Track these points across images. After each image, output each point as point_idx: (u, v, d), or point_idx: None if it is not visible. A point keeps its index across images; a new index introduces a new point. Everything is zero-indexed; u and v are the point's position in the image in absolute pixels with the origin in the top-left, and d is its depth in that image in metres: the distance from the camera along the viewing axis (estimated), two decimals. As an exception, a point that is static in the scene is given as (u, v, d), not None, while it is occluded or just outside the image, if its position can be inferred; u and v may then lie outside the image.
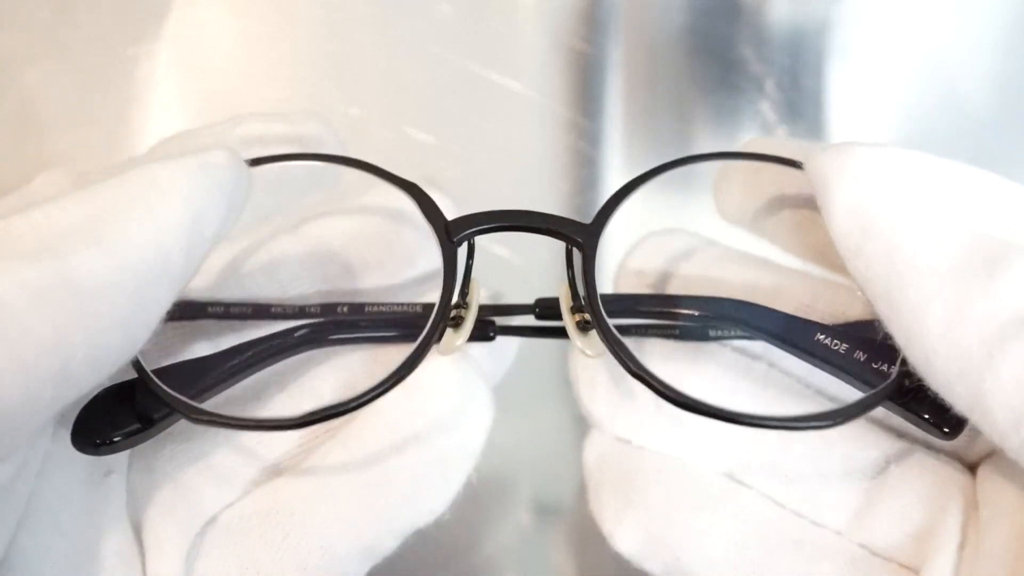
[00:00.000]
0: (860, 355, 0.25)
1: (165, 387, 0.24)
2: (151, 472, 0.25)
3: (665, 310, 0.28)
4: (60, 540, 0.23)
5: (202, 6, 0.48)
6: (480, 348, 0.26)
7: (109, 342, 0.20)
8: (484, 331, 0.27)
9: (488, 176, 0.45)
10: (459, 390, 0.25)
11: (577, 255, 0.25)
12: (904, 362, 0.23)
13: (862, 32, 0.48)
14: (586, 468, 0.27)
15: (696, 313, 0.27)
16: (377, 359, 0.26)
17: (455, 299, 0.25)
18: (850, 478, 0.25)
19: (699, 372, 0.27)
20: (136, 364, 0.24)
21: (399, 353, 0.25)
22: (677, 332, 0.28)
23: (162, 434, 0.25)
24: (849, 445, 0.26)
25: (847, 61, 0.47)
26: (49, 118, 0.46)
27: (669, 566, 0.25)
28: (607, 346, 0.24)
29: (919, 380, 0.22)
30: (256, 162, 0.25)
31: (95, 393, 0.24)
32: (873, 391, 0.24)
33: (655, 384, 0.24)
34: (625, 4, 0.48)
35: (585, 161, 0.46)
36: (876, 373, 0.25)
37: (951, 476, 0.25)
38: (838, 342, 0.26)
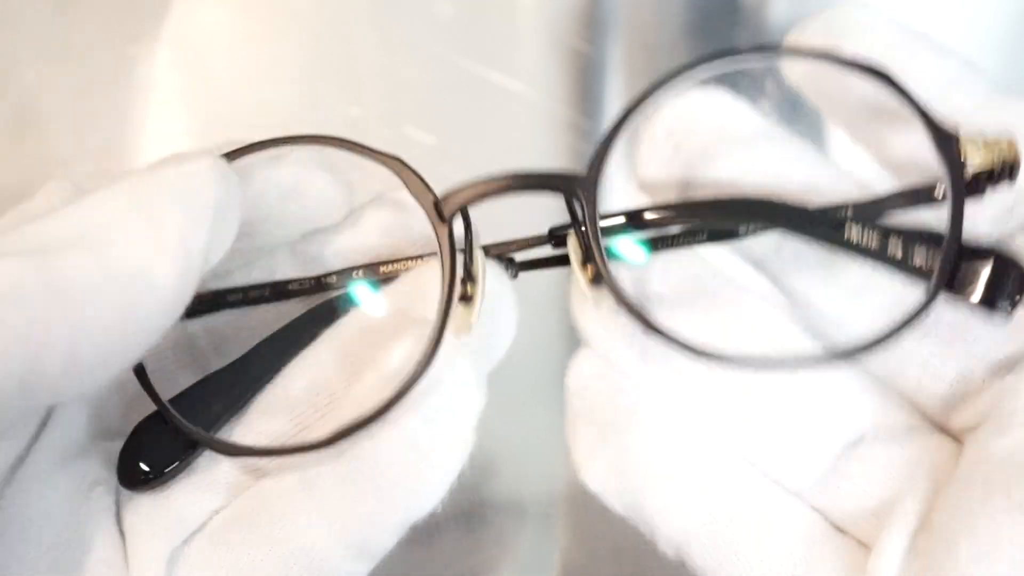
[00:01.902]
0: (897, 250, 0.25)
1: (190, 424, 0.24)
2: None
3: (680, 230, 0.27)
4: (43, 554, 0.23)
5: (202, 6, 0.48)
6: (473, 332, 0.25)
7: (87, 350, 0.19)
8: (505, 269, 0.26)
9: (488, 176, 0.45)
10: (446, 375, 0.24)
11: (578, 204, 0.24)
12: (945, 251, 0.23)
13: (862, 32, 0.48)
14: (567, 394, 0.26)
15: (713, 220, 0.26)
16: (345, 350, 0.25)
17: (460, 274, 0.24)
18: (824, 444, 0.25)
19: (718, 314, 0.26)
20: (156, 399, 0.24)
21: (371, 334, 0.25)
22: (704, 237, 0.27)
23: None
24: (831, 408, 0.25)
25: (847, 61, 0.47)
26: (49, 118, 0.46)
27: (630, 508, 0.25)
28: (622, 310, 0.24)
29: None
30: (234, 154, 0.25)
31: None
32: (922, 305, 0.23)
33: (673, 339, 0.24)
34: (625, 4, 0.48)
35: (585, 161, 0.46)
36: (913, 270, 0.25)
37: (926, 454, 0.25)
38: (870, 232, 0.25)
